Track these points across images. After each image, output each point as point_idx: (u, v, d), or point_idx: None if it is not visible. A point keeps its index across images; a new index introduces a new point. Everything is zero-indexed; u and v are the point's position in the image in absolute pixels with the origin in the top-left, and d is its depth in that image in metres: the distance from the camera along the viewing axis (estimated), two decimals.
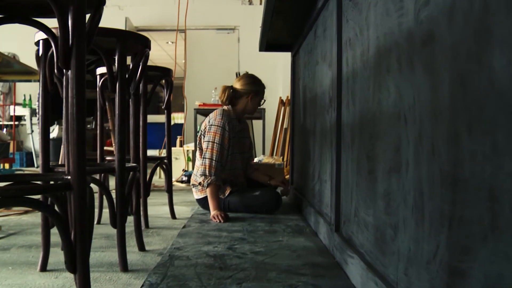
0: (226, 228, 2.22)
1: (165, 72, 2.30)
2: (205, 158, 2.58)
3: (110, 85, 1.48)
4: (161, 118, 8.96)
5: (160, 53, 10.16)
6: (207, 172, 2.54)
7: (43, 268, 1.53)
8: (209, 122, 2.68)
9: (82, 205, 1.03)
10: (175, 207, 2.90)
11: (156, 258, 1.68)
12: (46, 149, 1.49)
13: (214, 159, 2.57)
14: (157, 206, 2.95)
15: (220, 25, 7.79)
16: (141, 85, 2.20)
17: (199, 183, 2.56)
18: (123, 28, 7.16)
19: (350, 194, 1.50)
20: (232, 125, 2.68)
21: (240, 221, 2.41)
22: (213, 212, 2.45)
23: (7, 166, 5.81)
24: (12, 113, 6.91)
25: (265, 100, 2.91)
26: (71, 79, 1.04)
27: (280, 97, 5.74)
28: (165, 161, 2.38)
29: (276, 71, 7.32)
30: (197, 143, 2.74)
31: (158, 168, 5.08)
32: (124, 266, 1.53)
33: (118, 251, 1.54)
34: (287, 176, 4.35)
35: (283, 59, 6.88)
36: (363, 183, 1.33)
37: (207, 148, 2.59)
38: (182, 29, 8.11)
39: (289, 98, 5.55)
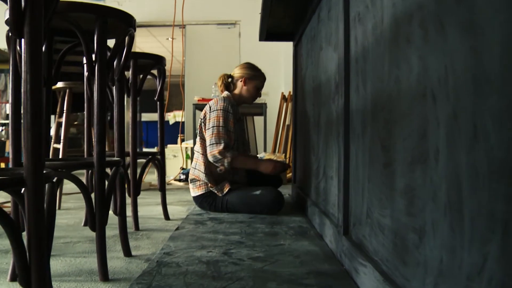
0: (223, 230, 2.02)
1: (158, 60, 2.11)
2: (212, 144, 2.43)
3: (89, 68, 1.29)
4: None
5: (161, 50, 9.98)
6: (218, 154, 2.42)
7: (13, 278, 1.34)
8: (210, 108, 2.53)
9: (37, 204, 0.84)
10: (170, 207, 2.72)
11: (142, 265, 1.49)
12: (16, 141, 1.30)
13: (222, 141, 2.43)
14: (151, 206, 2.76)
15: (220, 20, 7.61)
16: (130, 73, 2.02)
17: (219, 169, 2.44)
18: None
19: (361, 192, 1.31)
20: (234, 110, 2.57)
21: (238, 222, 2.22)
22: (266, 170, 2.50)
23: (2, 165, 5.64)
24: (8, 111, 6.75)
25: (261, 90, 2.74)
26: (24, 52, 0.85)
27: (282, 93, 5.55)
28: (158, 157, 2.18)
29: (278, 67, 7.13)
30: (198, 132, 2.57)
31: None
32: (104, 274, 1.35)
33: (97, 257, 1.35)
34: (289, 175, 4.15)
35: (285, 54, 6.69)
36: (377, 178, 1.13)
37: (212, 134, 2.45)
38: (180, 24, 7.94)
39: (291, 93, 5.36)
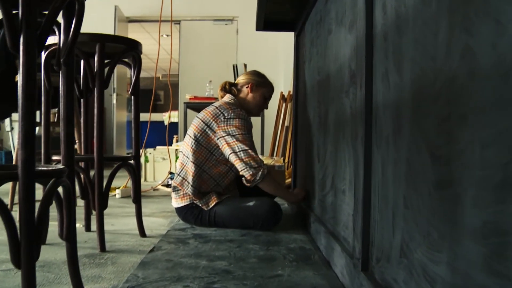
0: (208, 252, 1.65)
1: (131, 45, 1.74)
2: (244, 150, 2.05)
3: (10, 41, 0.92)
4: (158, 117, 8.42)
5: (155, 47, 9.60)
6: (254, 162, 2.05)
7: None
8: (223, 115, 2.13)
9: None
10: (150, 220, 2.35)
11: None
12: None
13: (250, 148, 2.07)
14: (128, 218, 2.38)
15: (217, 16, 7.26)
16: (96, 60, 1.65)
17: (247, 180, 2.07)
18: (112, 19, 6.62)
19: (391, 218, 0.94)
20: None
21: (227, 241, 1.85)
22: (294, 199, 2.28)
23: None
24: None
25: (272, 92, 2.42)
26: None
27: (281, 92, 5.18)
28: (130, 162, 1.81)
29: (276, 65, 6.79)
30: (193, 136, 2.16)
31: (144, 171, 4.55)
32: None
33: None
34: (288, 180, 3.78)
35: (284, 52, 6.35)
36: (423, 203, 0.77)
37: (238, 141, 2.07)
38: (175, 20, 7.57)
39: (291, 93, 5.00)
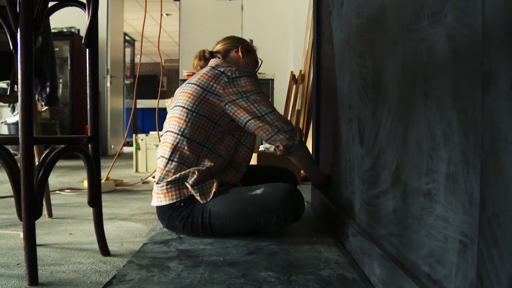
0: (197, 284, 1.06)
1: None
2: (265, 114, 1.53)
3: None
4: (160, 103, 7.80)
5: (155, 28, 8.97)
6: (286, 125, 1.54)
7: None
8: (225, 75, 1.56)
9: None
10: (125, 225, 1.76)
11: None
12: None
13: (274, 109, 1.56)
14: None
15: None
16: None
17: (283, 147, 1.55)
18: None
19: None
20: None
21: (227, 265, 1.25)
22: (323, 178, 1.80)
23: None
24: None
25: (261, 61, 1.87)
26: None
27: (292, 72, 4.55)
28: (80, 146, 1.20)
29: (286, 44, 6.18)
30: (186, 115, 1.56)
31: (135, 160, 3.92)
32: None
33: None
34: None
35: (295, 29, 5.71)
36: None
37: (254, 103, 1.53)
38: None
39: (302, 73, 4.37)
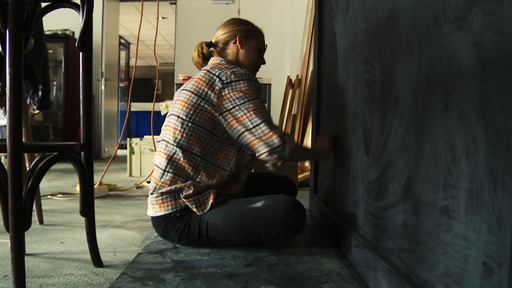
0: None
1: None
2: (260, 123, 1.44)
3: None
4: (152, 107, 7.72)
5: (151, 32, 8.91)
6: (276, 138, 1.42)
7: None
8: (220, 79, 1.49)
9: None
10: (119, 233, 1.70)
11: None
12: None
13: (265, 119, 1.45)
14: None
15: None
16: None
17: (273, 165, 1.46)
18: None
19: None
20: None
21: (225, 277, 1.20)
22: (327, 157, 1.74)
23: None
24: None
25: (266, 46, 1.77)
26: None
27: (288, 77, 4.51)
28: (71, 153, 1.14)
29: (283, 48, 6.14)
30: (181, 125, 1.50)
31: (129, 165, 3.85)
32: None
33: None
34: (301, 176, 3.13)
35: (291, 33, 5.68)
36: None
37: (246, 113, 1.45)
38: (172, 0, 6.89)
39: (299, 77, 4.33)
